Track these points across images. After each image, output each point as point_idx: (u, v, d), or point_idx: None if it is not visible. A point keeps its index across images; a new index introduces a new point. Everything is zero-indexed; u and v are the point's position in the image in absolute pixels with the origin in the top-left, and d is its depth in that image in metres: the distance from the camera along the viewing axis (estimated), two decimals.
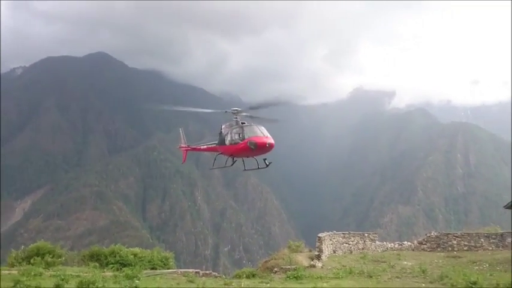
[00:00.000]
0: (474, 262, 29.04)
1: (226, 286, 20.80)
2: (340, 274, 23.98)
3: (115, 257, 26.26)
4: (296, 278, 23.03)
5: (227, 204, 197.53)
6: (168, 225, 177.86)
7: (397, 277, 23.91)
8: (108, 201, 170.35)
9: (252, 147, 23.76)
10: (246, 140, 24.06)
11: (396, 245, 37.27)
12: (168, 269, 26.38)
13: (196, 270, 26.77)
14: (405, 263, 28.88)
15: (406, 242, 37.79)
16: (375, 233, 38.43)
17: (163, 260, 27.92)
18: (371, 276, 23.58)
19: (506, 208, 32.71)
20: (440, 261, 30.07)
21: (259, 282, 21.89)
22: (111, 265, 25.54)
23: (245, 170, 27.46)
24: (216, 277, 25.95)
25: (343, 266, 27.24)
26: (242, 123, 25.48)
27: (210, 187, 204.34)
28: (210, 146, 29.18)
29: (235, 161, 26.64)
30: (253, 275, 25.71)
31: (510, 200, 33.03)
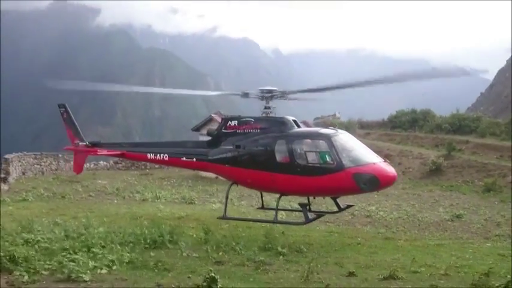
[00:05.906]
0: (164, 178, 32.41)
1: None
2: (29, 196, 22.55)
3: None
4: None
5: None
6: None
7: (90, 195, 24.27)
8: None
9: (364, 186, 11.56)
10: (347, 170, 11.52)
11: (92, 165, 37.67)
12: None
13: None
14: (99, 181, 29.54)
15: (102, 162, 38.65)
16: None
17: None
18: (63, 197, 23.10)
19: (194, 131, 37.38)
20: (134, 178, 32.14)
21: None
22: None
23: (308, 222, 12.97)
24: None
25: (34, 188, 25.75)
26: (293, 120, 13.19)
27: None
28: (177, 156, 14.85)
29: (312, 220, 13.42)
30: None
31: (196, 124, 37.89)
